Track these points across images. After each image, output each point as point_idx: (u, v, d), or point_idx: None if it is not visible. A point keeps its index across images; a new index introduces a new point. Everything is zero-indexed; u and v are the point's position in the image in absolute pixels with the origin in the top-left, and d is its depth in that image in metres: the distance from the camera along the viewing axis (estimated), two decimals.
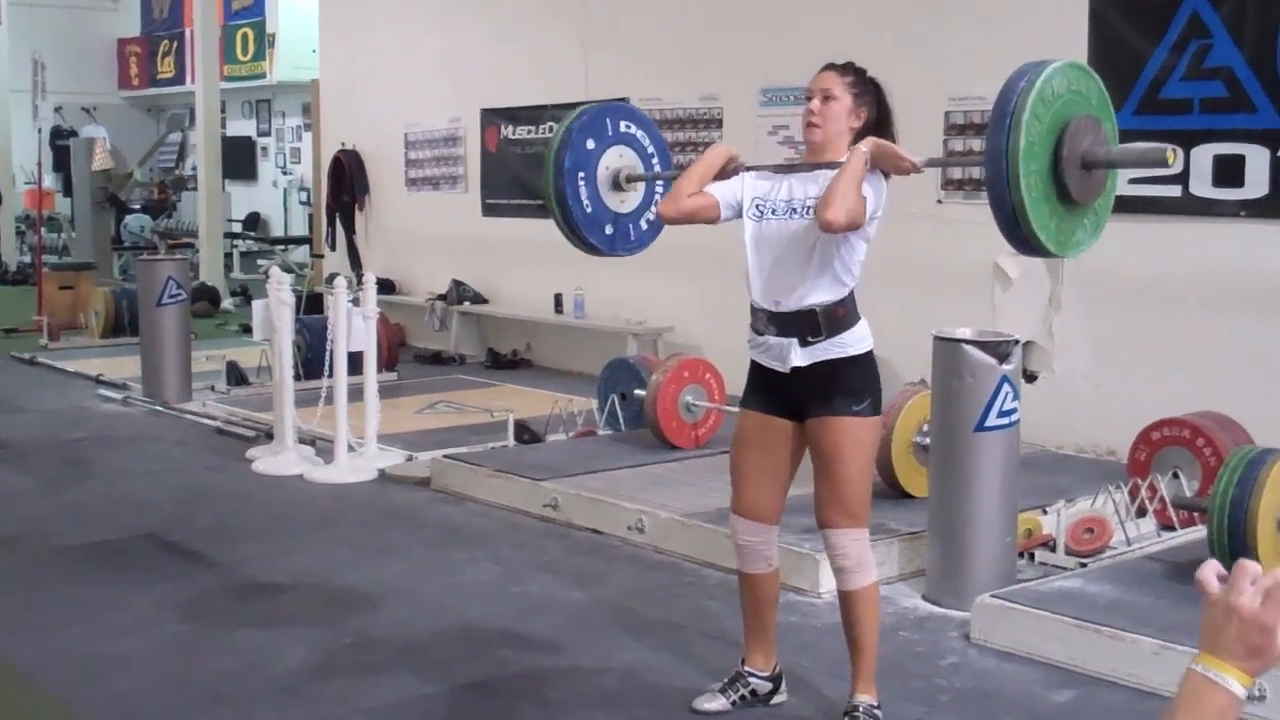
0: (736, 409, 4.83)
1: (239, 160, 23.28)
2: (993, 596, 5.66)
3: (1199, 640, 1.89)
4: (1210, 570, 1.90)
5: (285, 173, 24.23)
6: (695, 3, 11.55)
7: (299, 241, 21.67)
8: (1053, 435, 8.74)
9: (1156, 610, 5.48)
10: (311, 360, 10.03)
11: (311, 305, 13.07)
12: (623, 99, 10.89)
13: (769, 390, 4.64)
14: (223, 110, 20.52)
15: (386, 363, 11.24)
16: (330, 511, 7.80)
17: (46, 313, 14.88)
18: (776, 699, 4.92)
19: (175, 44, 24.54)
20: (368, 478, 8.48)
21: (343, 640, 5.67)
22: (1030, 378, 8.63)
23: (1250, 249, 7.96)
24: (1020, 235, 4.14)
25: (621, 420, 8.89)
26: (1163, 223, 8.33)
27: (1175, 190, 8.23)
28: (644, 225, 5.31)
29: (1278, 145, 7.84)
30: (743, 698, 4.85)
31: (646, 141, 5.35)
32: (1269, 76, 7.84)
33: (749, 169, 4.74)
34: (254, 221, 24.20)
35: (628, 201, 5.29)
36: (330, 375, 8.69)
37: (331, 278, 9.53)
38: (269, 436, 9.21)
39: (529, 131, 13.11)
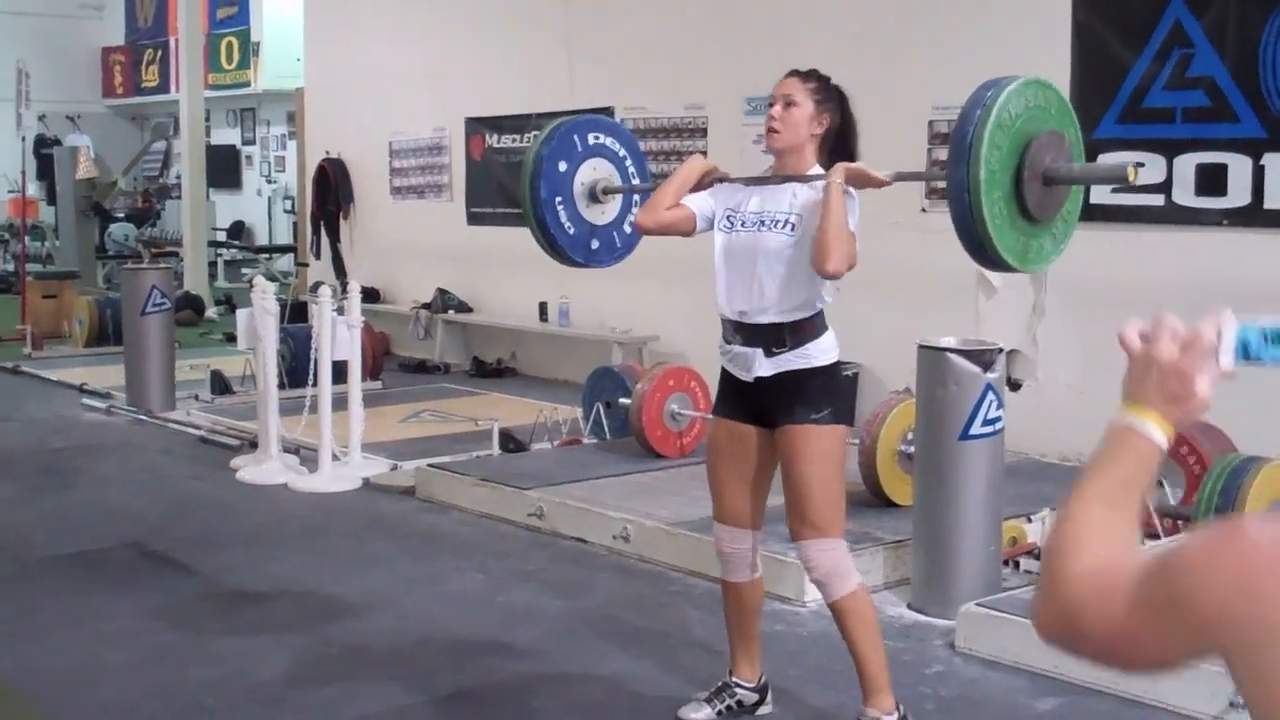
0: (711, 416, 4.84)
1: (223, 169, 23.23)
2: (978, 605, 5.67)
3: (1123, 389, 1.94)
4: (1131, 328, 1.96)
5: (270, 181, 24.18)
6: (680, 12, 11.55)
7: (283, 250, 21.63)
8: (1037, 443, 8.75)
9: None
10: (296, 369, 10.00)
11: (296, 314, 13.02)
12: (607, 108, 10.93)
13: (738, 397, 4.66)
14: (207, 119, 20.48)
15: (371, 371, 11.22)
16: (314, 521, 7.79)
17: (30, 321, 14.84)
18: (762, 710, 4.92)
19: (160, 52, 24.49)
20: (352, 487, 8.47)
21: (327, 650, 5.66)
22: (1014, 386, 8.64)
23: (1233, 258, 7.98)
24: (987, 259, 4.16)
25: (606, 429, 8.89)
26: (1146, 232, 8.35)
27: (1158, 199, 8.25)
28: (626, 232, 5.32)
29: (1260, 154, 7.86)
30: (728, 708, 4.85)
31: (618, 147, 5.35)
32: (1251, 86, 7.87)
33: (725, 181, 4.75)
34: (238, 230, 24.16)
35: (607, 212, 5.30)
36: (314, 384, 8.68)
37: (316, 286, 9.54)
38: (253, 445, 9.20)
39: (514, 140, 13.11)
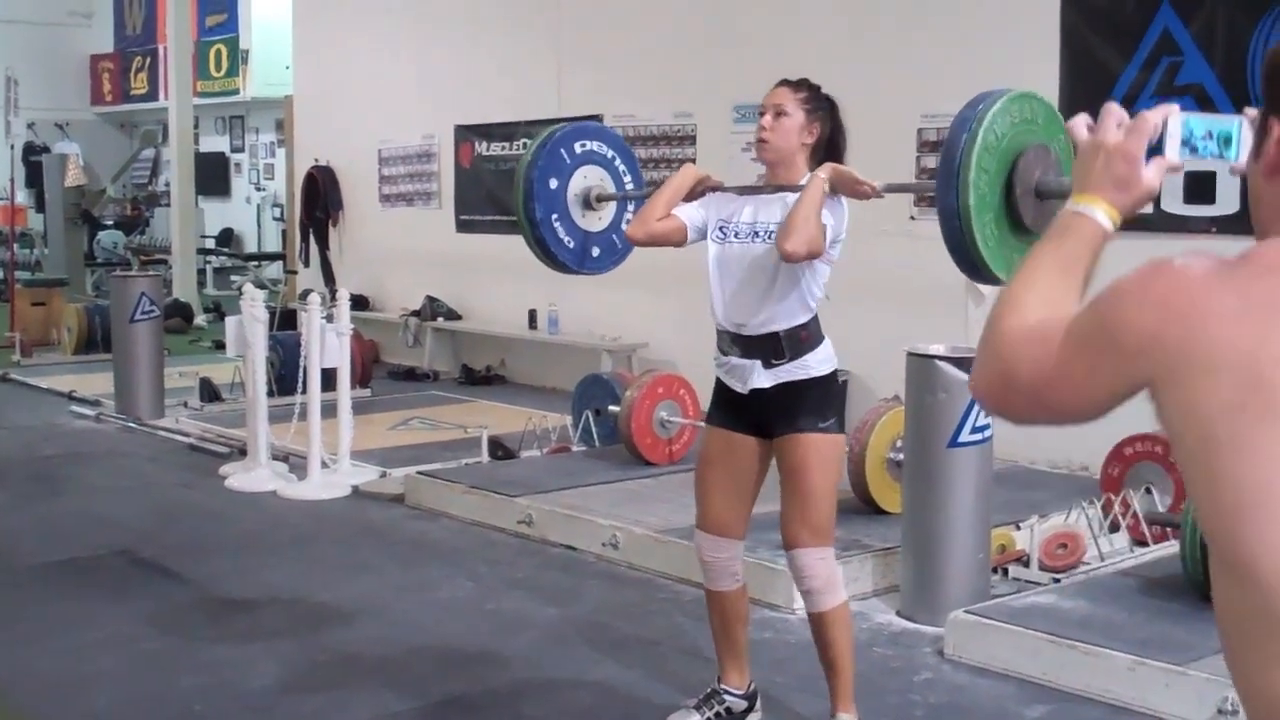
0: (703, 425, 4.85)
1: (212, 176, 23.21)
2: (966, 612, 5.67)
3: (1071, 185, 2.02)
4: (1080, 120, 2.03)
5: (259, 189, 24.16)
6: (669, 20, 11.57)
7: (272, 258, 21.62)
8: (1026, 451, 8.76)
9: (1130, 625, 5.50)
10: (285, 376, 10.00)
11: (285, 321, 13.02)
12: (596, 116, 10.94)
13: (733, 407, 4.66)
14: (196, 126, 20.44)
15: (360, 379, 11.21)
16: (304, 528, 7.79)
17: (19, 329, 14.80)
18: (751, 717, 4.92)
19: (148, 60, 24.45)
20: (341, 494, 8.46)
21: (316, 657, 5.66)
22: None
23: None
24: (982, 278, 4.16)
25: (596, 436, 8.90)
26: (1134, 239, 8.25)
27: (1147, 207, 8.24)
28: (624, 233, 5.31)
29: None
30: (718, 715, 4.85)
31: (605, 150, 5.34)
32: (1239, 93, 7.89)
33: (717, 190, 4.75)
34: (227, 238, 24.13)
35: (603, 217, 5.31)
36: (304, 391, 8.67)
37: (305, 294, 9.53)
38: (242, 453, 9.19)
39: (503, 148, 13.12)
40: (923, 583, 6.10)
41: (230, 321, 9.19)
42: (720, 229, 4.63)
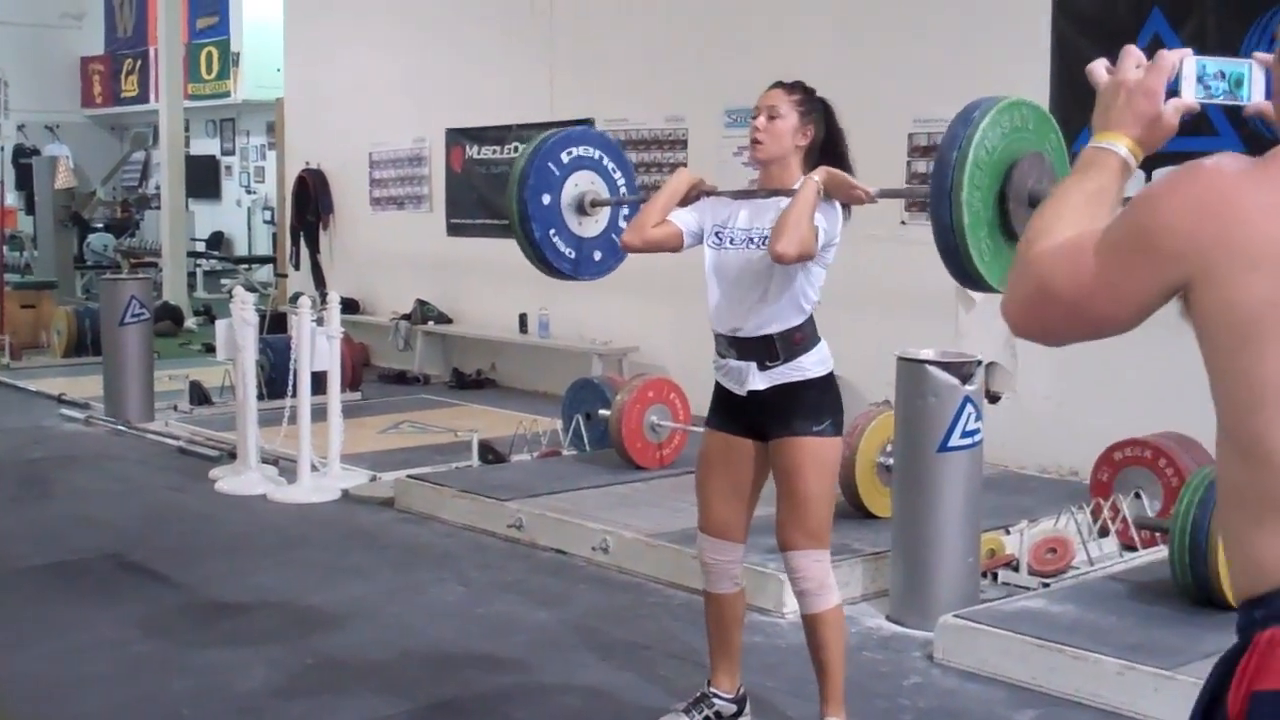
0: (701, 429, 4.85)
1: (203, 179, 23.20)
2: (956, 616, 5.68)
3: (1091, 126, 2.06)
4: (1099, 63, 2.09)
5: (249, 192, 24.16)
6: (660, 24, 11.57)
7: (263, 261, 21.62)
8: (1015, 456, 8.78)
9: (1119, 630, 5.51)
10: (275, 380, 9.99)
11: (275, 325, 13.04)
12: (587, 120, 10.95)
13: (731, 410, 4.66)
14: (186, 129, 20.45)
15: (350, 382, 11.20)
16: (293, 532, 7.78)
17: (8, 331, 14.78)
18: None
19: (139, 62, 24.45)
20: (331, 498, 8.45)
21: (306, 661, 5.65)
22: (993, 399, 8.67)
23: None
24: (978, 288, 4.17)
25: (586, 440, 8.89)
26: None
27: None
28: (617, 239, 5.31)
29: None
30: (707, 719, 4.85)
31: (593, 153, 5.34)
32: None
33: (712, 194, 4.75)
34: (218, 241, 24.13)
35: (599, 220, 5.31)
36: (294, 395, 8.67)
37: (295, 297, 9.52)
38: (232, 456, 9.18)
39: (494, 152, 13.12)
40: (912, 587, 6.10)
41: (220, 325, 9.18)
42: (716, 235, 4.62)
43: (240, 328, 8.83)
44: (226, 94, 22.28)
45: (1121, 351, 8.42)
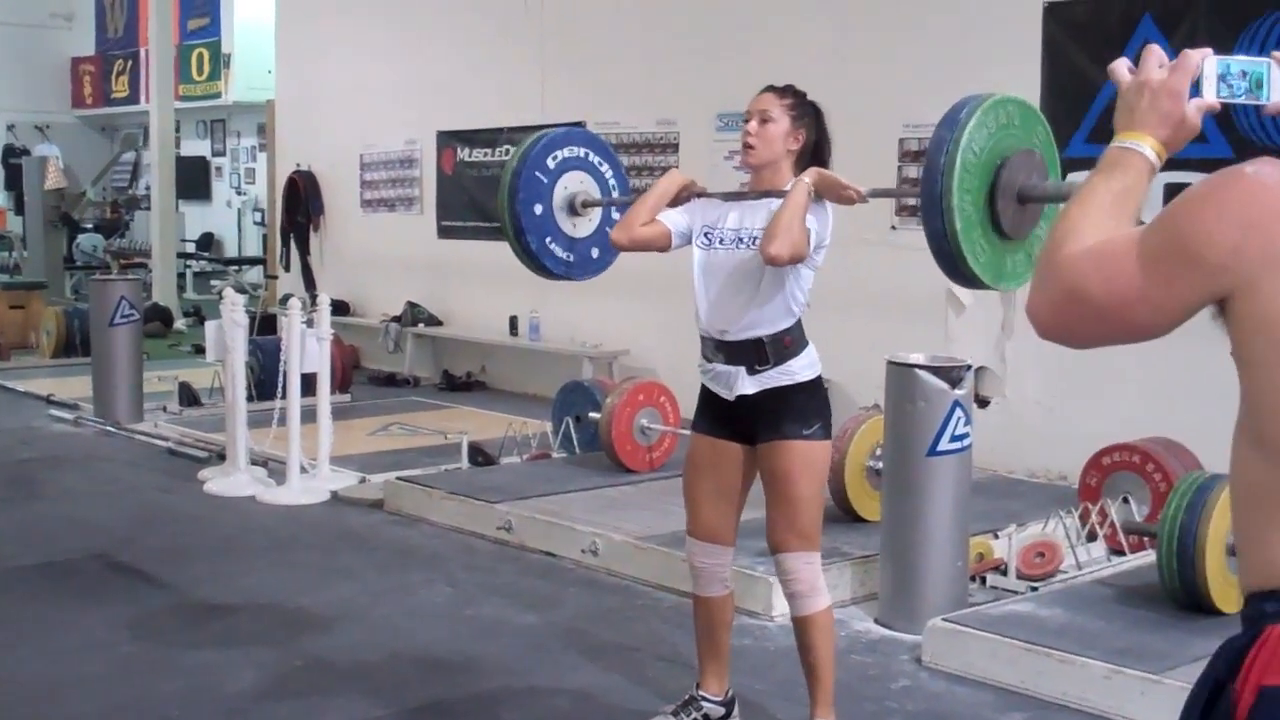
0: (689, 432, 4.85)
1: (193, 180, 23.16)
2: (944, 620, 5.69)
3: (1115, 126, 2.05)
4: (1121, 63, 2.08)
5: (240, 193, 24.14)
6: (652, 27, 11.58)
7: (253, 262, 21.60)
8: (1004, 460, 8.79)
9: (1107, 634, 5.52)
10: (265, 381, 9.99)
11: (265, 326, 13.01)
12: (579, 123, 10.93)
13: (718, 414, 4.66)
14: (177, 130, 20.42)
15: (340, 384, 11.20)
16: (282, 533, 7.78)
17: None
18: None
19: (130, 63, 24.41)
20: (320, 499, 8.45)
21: (294, 662, 5.65)
22: (982, 403, 8.68)
23: None
24: (975, 288, 4.18)
25: (576, 443, 8.89)
26: None
27: None
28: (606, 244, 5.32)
29: None
30: None
31: (580, 152, 5.34)
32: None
33: (702, 195, 4.76)
34: (208, 242, 24.10)
35: (593, 218, 5.32)
36: (283, 396, 8.66)
37: (285, 299, 9.52)
38: (221, 457, 9.18)
39: (485, 154, 13.12)
40: (901, 590, 6.11)
41: (210, 326, 9.18)
42: (705, 235, 4.62)
43: (230, 329, 8.83)
44: (217, 95, 22.25)
45: (1110, 357, 8.44)
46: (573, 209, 5.27)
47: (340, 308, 13.55)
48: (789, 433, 4.51)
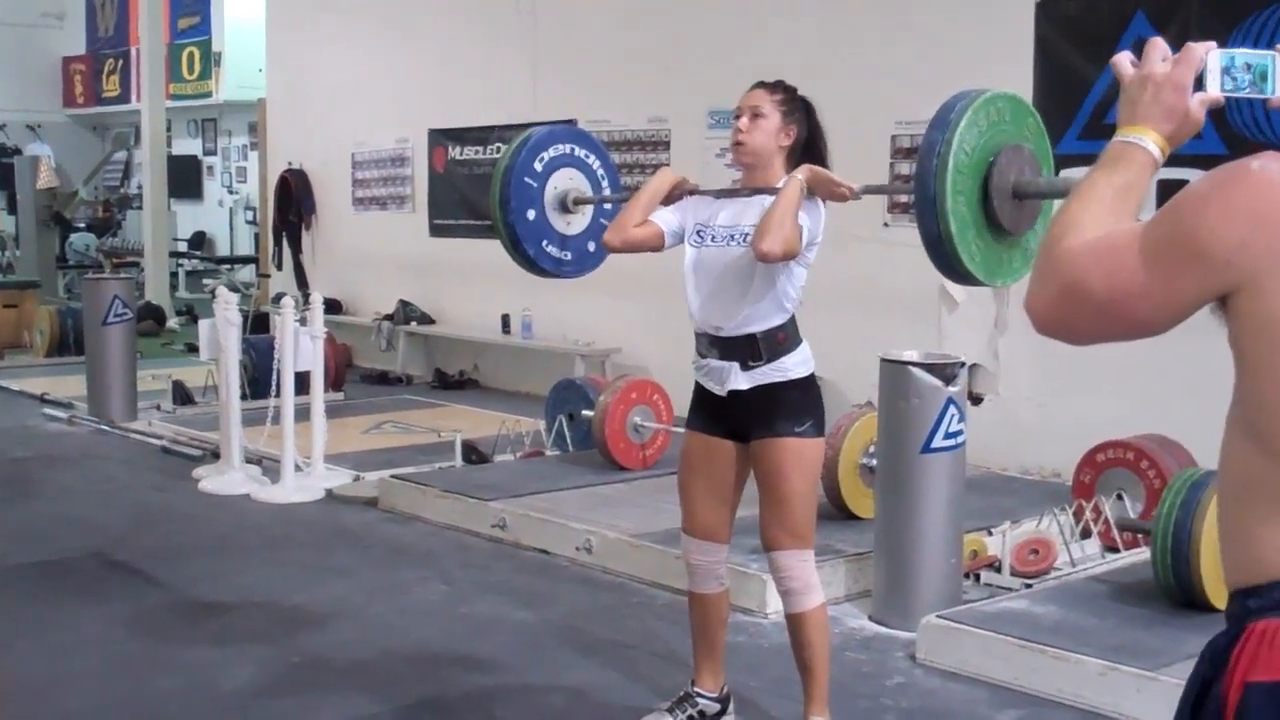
0: (684, 430, 4.85)
1: (185, 179, 23.15)
2: (938, 617, 5.69)
3: (1117, 120, 2.02)
4: (1123, 56, 2.05)
5: (231, 192, 24.12)
6: (643, 25, 11.58)
7: (245, 261, 21.58)
8: (998, 457, 8.80)
9: (1101, 631, 5.53)
10: (258, 380, 9.99)
11: (258, 325, 13.04)
12: (570, 120, 10.95)
13: (711, 411, 4.66)
14: (168, 129, 20.41)
15: (333, 383, 11.19)
16: (277, 531, 7.78)
17: None
18: None
19: (121, 62, 24.39)
20: (315, 497, 8.45)
21: (290, 660, 5.65)
22: (976, 400, 8.70)
23: None
24: (971, 284, 4.18)
25: (569, 441, 8.90)
26: None
27: None
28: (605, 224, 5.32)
29: None
30: (690, 718, 4.86)
31: (569, 149, 5.34)
32: None
33: (694, 193, 4.76)
34: (200, 241, 24.08)
35: (586, 213, 5.32)
36: (277, 395, 8.67)
37: (278, 297, 9.51)
38: (215, 456, 9.18)
39: (476, 152, 13.12)
40: (895, 588, 6.12)
41: (203, 324, 9.18)
42: (698, 233, 4.62)
43: (223, 328, 8.83)
44: (208, 94, 22.23)
45: (1104, 354, 8.44)
46: (565, 207, 5.27)
47: (332, 306, 13.55)
48: (782, 430, 4.51)
